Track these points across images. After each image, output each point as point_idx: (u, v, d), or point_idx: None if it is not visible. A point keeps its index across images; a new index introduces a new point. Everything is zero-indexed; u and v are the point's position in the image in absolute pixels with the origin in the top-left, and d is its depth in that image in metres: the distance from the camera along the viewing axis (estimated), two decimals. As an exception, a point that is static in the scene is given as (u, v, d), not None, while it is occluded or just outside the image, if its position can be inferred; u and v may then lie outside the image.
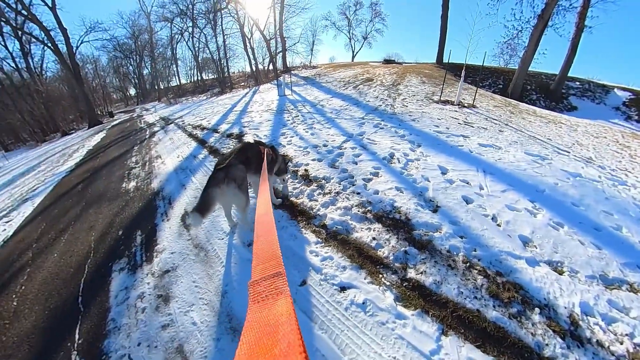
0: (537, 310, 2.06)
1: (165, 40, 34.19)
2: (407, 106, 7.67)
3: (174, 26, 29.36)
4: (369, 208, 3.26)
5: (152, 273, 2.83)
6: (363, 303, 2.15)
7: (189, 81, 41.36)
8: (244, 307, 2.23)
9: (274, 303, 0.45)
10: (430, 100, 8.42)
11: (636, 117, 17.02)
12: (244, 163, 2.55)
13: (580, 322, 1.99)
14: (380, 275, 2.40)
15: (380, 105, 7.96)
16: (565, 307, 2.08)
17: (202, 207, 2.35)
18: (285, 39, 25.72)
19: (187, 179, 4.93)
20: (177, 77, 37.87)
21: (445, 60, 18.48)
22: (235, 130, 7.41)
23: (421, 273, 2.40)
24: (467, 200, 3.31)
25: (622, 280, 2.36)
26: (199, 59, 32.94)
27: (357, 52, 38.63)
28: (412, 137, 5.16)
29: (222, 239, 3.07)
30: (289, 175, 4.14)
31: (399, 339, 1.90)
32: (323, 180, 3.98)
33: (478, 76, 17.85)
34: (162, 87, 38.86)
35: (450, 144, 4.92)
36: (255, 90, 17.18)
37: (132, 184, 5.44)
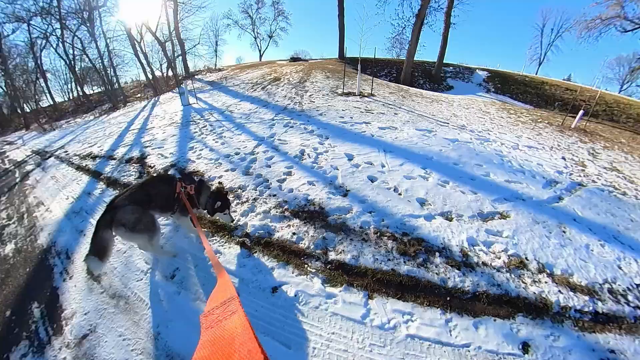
0: (437, 254, 2.42)
1: (23, 48, 25.91)
2: (314, 102, 7.96)
3: (34, 28, 22.53)
4: (285, 207, 3.25)
5: (67, 345, 2.23)
6: (295, 295, 2.18)
7: (67, 99, 33.75)
8: (183, 339, 2.01)
9: (228, 321, 0.47)
10: (335, 94, 8.93)
11: (493, 90, 21.73)
12: (143, 201, 2.24)
13: (469, 253, 2.42)
14: (306, 265, 2.45)
15: (289, 104, 8.06)
16: (457, 245, 2.50)
17: (98, 250, 2.02)
18: (184, 40, 23.45)
19: (85, 223, 4.03)
20: (48, 94, 29.78)
21: (347, 54, 20.01)
22: (136, 153, 6.41)
23: (340, 253, 2.52)
24: (372, 179, 3.63)
25: (494, 212, 2.96)
26: (77, 69, 26.93)
27: (264, 51, 38.21)
28: (320, 131, 5.37)
29: (141, 279, 2.63)
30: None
31: (333, 315, 2.00)
32: (239, 190, 3.81)
33: (375, 68, 20.07)
34: (28, 111, 30.27)
35: (354, 131, 5.31)
36: (155, 102, 15.27)
37: (10, 246, 4.15)
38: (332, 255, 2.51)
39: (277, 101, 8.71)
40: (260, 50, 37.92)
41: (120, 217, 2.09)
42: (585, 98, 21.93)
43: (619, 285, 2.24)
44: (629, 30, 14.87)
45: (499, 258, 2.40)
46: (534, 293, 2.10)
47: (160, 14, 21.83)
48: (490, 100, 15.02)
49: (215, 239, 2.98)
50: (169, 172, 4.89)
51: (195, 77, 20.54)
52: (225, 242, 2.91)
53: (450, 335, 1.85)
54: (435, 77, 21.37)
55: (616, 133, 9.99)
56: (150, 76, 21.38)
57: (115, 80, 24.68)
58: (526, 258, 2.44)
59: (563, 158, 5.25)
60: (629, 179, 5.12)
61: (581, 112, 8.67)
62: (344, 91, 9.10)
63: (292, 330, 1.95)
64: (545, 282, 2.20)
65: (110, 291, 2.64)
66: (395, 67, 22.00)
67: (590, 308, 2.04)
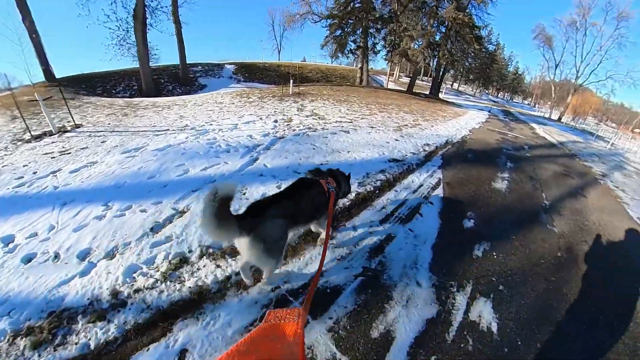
0: (80, 317, 1.67)
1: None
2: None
3: None
4: None
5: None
6: None
7: None
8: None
9: (286, 324, 0.54)
10: (19, 142, 6.00)
11: (242, 79, 23.80)
12: (292, 215, 1.66)
13: (122, 289, 1.83)
14: None
15: None
16: (108, 288, 1.84)
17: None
18: None
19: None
20: None
21: (64, 73, 14.78)
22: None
23: None
24: (29, 258, 2.33)
25: (172, 215, 2.56)
26: None
27: None
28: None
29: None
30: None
31: None
32: None
33: (108, 84, 16.35)
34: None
35: (32, 193, 3.50)
36: None
37: None
38: None
39: None
40: None
41: (263, 232, 1.48)
42: (307, 70, 28.84)
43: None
44: (317, 22, 20.31)
45: (159, 270, 1.99)
46: (190, 287, 1.82)
47: None
48: (239, 89, 16.01)
49: None
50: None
51: None
52: None
53: None
54: (185, 80, 20.31)
55: (323, 89, 13.51)
56: None
57: None
58: (189, 250, 2.19)
59: (275, 121, 6.02)
60: (321, 117, 6.70)
61: (291, 80, 10.77)
62: (35, 134, 6.29)
63: None
64: (204, 266, 2.02)
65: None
66: (135, 76, 18.81)
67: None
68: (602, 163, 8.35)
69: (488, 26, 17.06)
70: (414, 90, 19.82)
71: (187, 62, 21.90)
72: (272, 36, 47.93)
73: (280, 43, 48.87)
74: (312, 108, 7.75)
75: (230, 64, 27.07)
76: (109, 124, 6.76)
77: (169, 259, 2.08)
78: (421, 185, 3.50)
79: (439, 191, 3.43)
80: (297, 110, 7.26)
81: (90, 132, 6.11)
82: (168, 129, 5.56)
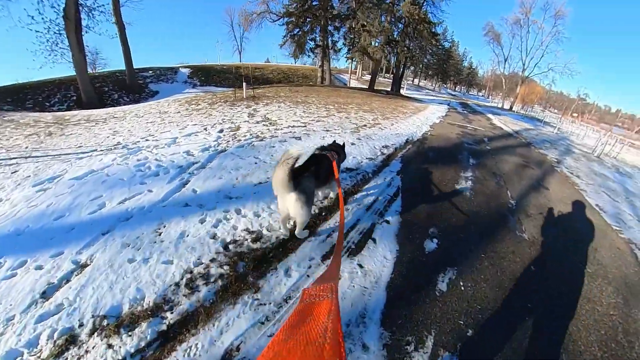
0: None
1: None
2: None
3: None
4: None
5: None
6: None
7: None
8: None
9: (320, 303, 0.52)
10: None
11: (199, 83, 22.30)
12: (316, 177, 2.17)
13: None
14: None
15: None
16: None
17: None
18: None
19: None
20: None
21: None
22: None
23: None
24: None
25: (73, 270, 1.90)
26: None
27: None
28: None
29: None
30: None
31: None
32: None
33: (40, 96, 14.31)
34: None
35: None
36: None
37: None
38: None
39: None
40: None
41: (304, 186, 1.98)
42: (268, 71, 27.90)
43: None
44: (275, 21, 19.32)
45: (40, 357, 1.33)
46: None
47: None
48: (192, 95, 14.87)
49: None
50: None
51: None
52: None
53: None
54: (133, 87, 18.49)
55: (281, 91, 12.82)
56: None
57: None
58: (80, 324, 1.52)
59: (221, 131, 5.28)
60: (272, 122, 6.06)
61: (244, 83, 9.97)
62: None
63: None
64: (94, 347, 1.38)
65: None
66: (72, 86, 16.75)
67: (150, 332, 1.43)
68: (554, 149, 8.63)
69: (443, 22, 17.44)
70: (375, 88, 19.83)
71: (137, 67, 20.07)
72: (231, 37, 46.24)
73: (240, 44, 47.15)
74: (266, 112, 7.09)
75: (186, 67, 25.33)
76: (26, 147, 5.53)
77: (54, 338, 1.45)
78: (376, 200, 2.99)
79: (397, 204, 2.96)
80: (248, 116, 6.56)
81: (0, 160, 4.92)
82: (95, 149, 4.60)
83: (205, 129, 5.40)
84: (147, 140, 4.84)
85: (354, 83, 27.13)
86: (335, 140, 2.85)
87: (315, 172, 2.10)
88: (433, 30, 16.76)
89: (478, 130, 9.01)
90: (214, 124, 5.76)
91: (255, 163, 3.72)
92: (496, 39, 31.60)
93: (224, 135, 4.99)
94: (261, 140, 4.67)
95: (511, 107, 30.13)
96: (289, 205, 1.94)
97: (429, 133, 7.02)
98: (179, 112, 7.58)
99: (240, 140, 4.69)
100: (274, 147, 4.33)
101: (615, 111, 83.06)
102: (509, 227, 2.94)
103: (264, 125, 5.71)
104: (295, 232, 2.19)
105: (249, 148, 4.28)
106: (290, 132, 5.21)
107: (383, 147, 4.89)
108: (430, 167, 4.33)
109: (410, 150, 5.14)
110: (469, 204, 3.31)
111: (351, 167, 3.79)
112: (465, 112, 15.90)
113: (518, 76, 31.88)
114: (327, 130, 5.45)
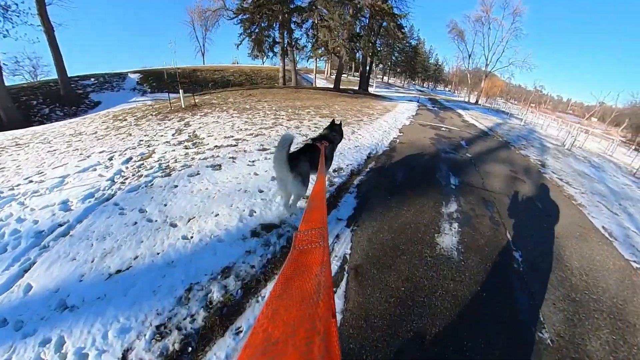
0: None
1: None
2: None
3: None
4: None
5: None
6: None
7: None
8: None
9: (314, 249, 0.52)
10: None
11: (149, 90, 19.97)
12: (310, 161, 2.40)
13: None
14: None
15: None
16: None
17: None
18: None
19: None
20: None
21: None
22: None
23: None
24: None
25: None
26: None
27: None
28: None
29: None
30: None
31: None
32: None
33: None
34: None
35: None
36: None
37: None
38: None
39: None
40: None
41: (300, 168, 2.23)
42: (228, 73, 25.94)
43: None
44: (233, 18, 17.46)
45: None
46: None
47: None
48: (136, 105, 12.87)
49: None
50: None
51: None
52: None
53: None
54: (69, 98, 15.92)
55: (231, 96, 11.15)
56: None
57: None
58: None
59: (129, 159, 3.75)
60: (198, 142, 4.57)
61: (181, 90, 8.31)
62: None
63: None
64: None
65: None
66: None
67: None
68: (532, 146, 7.99)
69: (408, 15, 16.64)
70: (342, 87, 18.76)
71: (78, 75, 17.48)
72: (193, 37, 43.15)
73: (203, 45, 44.17)
74: (198, 126, 5.61)
75: (135, 72, 22.66)
76: None
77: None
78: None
79: (339, 303, 1.71)
80: (174, 134, 5.05)
81: None
82: None
83: (111, 159, 3.87)
84: (31, 181, 3.26)
85: (322, 83, 25.95)
86: (333, 120, 2.99)
87: (310, 157, 2.35)
88: (399, 22, 15.95)
89: (453, 131, 8.10)
90: (125, 150, 4.22)
91: (135, 223, 2.31)
92: (460, 35, 32.28)
93: (128, 168, 3.51)
94: (167, 175, 3.24)
95: (477, 101, 30.62)
96: (288, 185, 2.22)
97: (397, 141, 5.90)
98: (95, 132, 5.88)
99: (141, 176, 3.24)
100: (175, 188, 2.91)
101: (566, 100, 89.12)
102: (523, 328, 1.78)
103: (184, 147, 4.27)
104: (290, 202, 2.48)
105: (142, 191, 2.85)
106: (213, 155, 3.81)
107: (333, 172, 3.63)
108: (397, 201, 3.09)
109: (372, 172, 3.91)
110: (460, 279, 2.09)
111: (272, 223, 2.48)
112: (435, 109, 15.24)
113: (482, 71, 32.64)
114: (264, 150, 4.09)
